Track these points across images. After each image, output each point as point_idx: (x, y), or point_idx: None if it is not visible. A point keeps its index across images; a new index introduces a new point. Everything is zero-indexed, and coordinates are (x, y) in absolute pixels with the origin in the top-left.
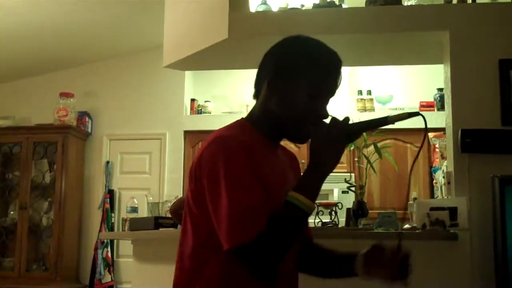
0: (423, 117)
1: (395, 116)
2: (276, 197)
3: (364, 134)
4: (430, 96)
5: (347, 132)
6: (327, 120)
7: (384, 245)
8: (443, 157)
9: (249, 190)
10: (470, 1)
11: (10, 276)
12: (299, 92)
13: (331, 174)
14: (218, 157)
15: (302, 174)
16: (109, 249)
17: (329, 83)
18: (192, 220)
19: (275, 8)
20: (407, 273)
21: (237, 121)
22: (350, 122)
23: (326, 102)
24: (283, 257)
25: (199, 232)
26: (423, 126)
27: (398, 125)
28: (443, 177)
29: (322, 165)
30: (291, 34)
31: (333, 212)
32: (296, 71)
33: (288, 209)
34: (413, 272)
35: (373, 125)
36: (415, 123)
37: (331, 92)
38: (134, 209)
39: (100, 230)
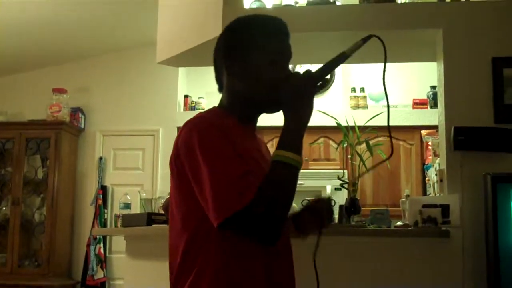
0: (379, 38)
1: (350, 47)
2: (263, 173)
3: (357, 131)
4: (423, 93)
5: (312, 80)
6: None
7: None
8: (435, 155)
9: (229, 162)
10: None
11: (2, 272)
12: (258, 64)
13: (324, 170)
14: (192, 138)
15: (281, 132)
16: (101, 245)
17: (282, 46)
18: (180, 213)
19: (269, 5)
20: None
21: (209, 109)
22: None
23: (287, 64)
24: (283, 218)
25: (189, 222)
26: (415, 123)
27: (391, 122)
28: (436, 174)
29: (298, 118)
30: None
31: None
32: (248, 46)
33: (277, 168)
34: (404, 267)
35: (334, 64)
36: (408, 120)
37: (288, 54)
38: (127, 205)
39: (92, 226)
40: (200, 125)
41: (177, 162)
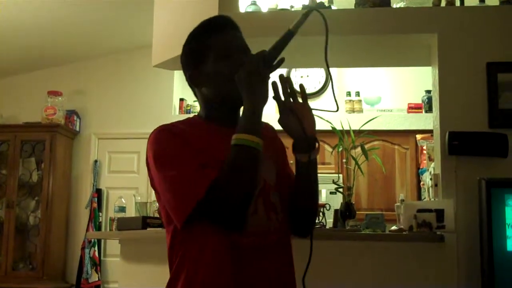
0: (320, 12)
1: (294, 24)
2: None
3: (353, 135)
4: (418, 98)
5: (263, 60)
6: None
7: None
8: (430, 159)
9: (179, 164)
10: (459, 4)
11: None
12: (215, 63)
13: (319, 174)
14: (149, 146)
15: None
16: (96, 248)
17: (232, 39)
18: (163, 218)
19: (264, 9)
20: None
21: (188, 117)
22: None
23: (242, 54)
24: (245, 200)
25: (168, 227)
26: (410, 127)
27: (386, 127)
28: (431, 179)
29: (250, 99)
30: (280, 35)
31: (321, 213)
32: (200, 51)
33: (233, 151)
34: (399, 272)
35: (282, 43)
36: (403, 124)
37: (240, 45)
38: (122, 209)
39: (87, 230)
40: (155, 134)
41: (148, 171)
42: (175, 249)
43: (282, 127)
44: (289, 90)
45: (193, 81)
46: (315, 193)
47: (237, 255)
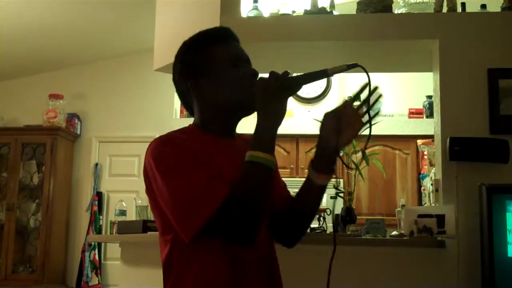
0: (363, 68)
1: (334, 68)
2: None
3: (353, 140)
4: (419, 103)
5: (287, 84)
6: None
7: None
8: (431, 164)
9: (187, 175)
10: (460, 10)
11: None
12: (222, 70)
13: None
14: (150, 157)
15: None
16: (96, 251)
17: (237, 50)
18: (159, 227)
19: (266, 14)
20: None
21: (185, 126)
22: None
23: (248, 64)
24: (256, 217)
25: (165, 237)
26: (412, 132)
27: (387, 131)
28: (431, 184)
29: (267, 118)
30: (282, 40)
31: (321, 218)
32: (206, 59)
33: (248, 168)
34: (399, 277)
35: (313, 78)
36: (404, 129)
37: (245, 57)
38: (123, 212)
39: (87, 233)
40: (155, 145)
41: (146, 181)
42: (172, 262)
43: (321, 122)
44: (365, 104)
45: (195, 88)
46: (313, 213)
47: (236, 269)
